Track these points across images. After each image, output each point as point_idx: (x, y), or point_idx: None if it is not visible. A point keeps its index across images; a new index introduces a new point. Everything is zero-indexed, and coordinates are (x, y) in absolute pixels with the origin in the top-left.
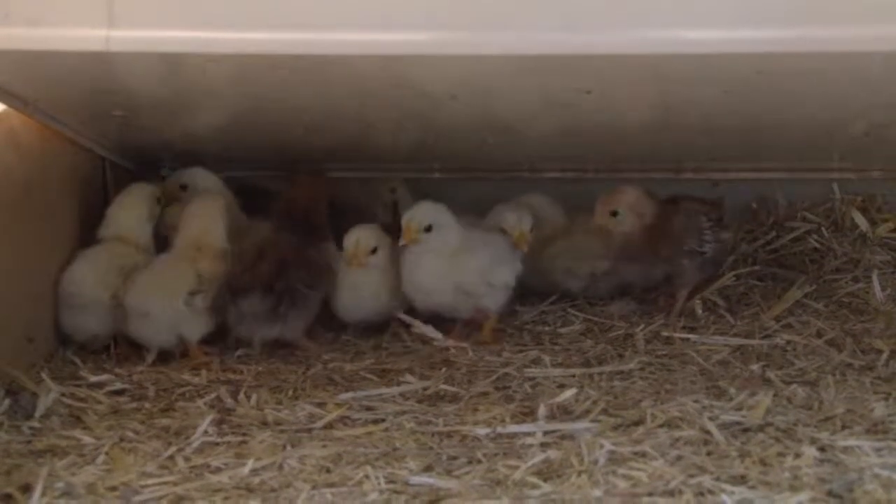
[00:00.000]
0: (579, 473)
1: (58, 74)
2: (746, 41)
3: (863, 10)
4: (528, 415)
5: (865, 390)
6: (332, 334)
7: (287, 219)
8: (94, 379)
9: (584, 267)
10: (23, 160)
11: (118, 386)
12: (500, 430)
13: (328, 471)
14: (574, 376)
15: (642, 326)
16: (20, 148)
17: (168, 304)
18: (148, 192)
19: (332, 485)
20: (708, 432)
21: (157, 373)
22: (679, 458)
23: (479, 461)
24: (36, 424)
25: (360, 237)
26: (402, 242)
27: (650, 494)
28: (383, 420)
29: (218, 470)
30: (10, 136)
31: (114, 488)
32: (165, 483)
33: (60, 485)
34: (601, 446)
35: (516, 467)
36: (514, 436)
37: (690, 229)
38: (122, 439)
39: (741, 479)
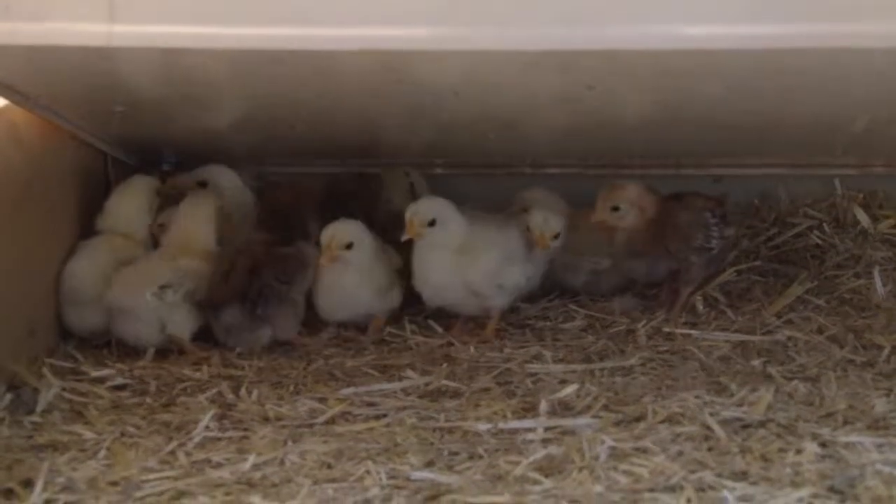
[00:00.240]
0: (580, 469)
1: (59, 69)
2: (748, 37)
3: (864, 6)
4: (530, 410)
5: (867, 386)
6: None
7: (267, 219)
8: (95, 374)
9: (586, 263)
10: (24, 155)
11: (119, 381)
12: (501, 425)
13: (329, 466)
14: (575, 372)
15: (644, 322)
16: (22, 143)
17: (142, 299)
18: (147, 183)
19: (333, 480)
20: (709, 428)
21: (158, 368)
22: (680, 453)
23: (481, 457)
24: (37, 419)
25: (336, 231)
26: (404, 237)
27: (651, 490)
28: (385, 415)
29: (219, 465)
30: (12, 131)
31: (115, 483)
32: (166, 478)
33: (61, 479)
34: (602, 442)
35: (517, 463)
36: (515, 431)
37: (697, 225)
38: (123, 434)
39: (742, 475)
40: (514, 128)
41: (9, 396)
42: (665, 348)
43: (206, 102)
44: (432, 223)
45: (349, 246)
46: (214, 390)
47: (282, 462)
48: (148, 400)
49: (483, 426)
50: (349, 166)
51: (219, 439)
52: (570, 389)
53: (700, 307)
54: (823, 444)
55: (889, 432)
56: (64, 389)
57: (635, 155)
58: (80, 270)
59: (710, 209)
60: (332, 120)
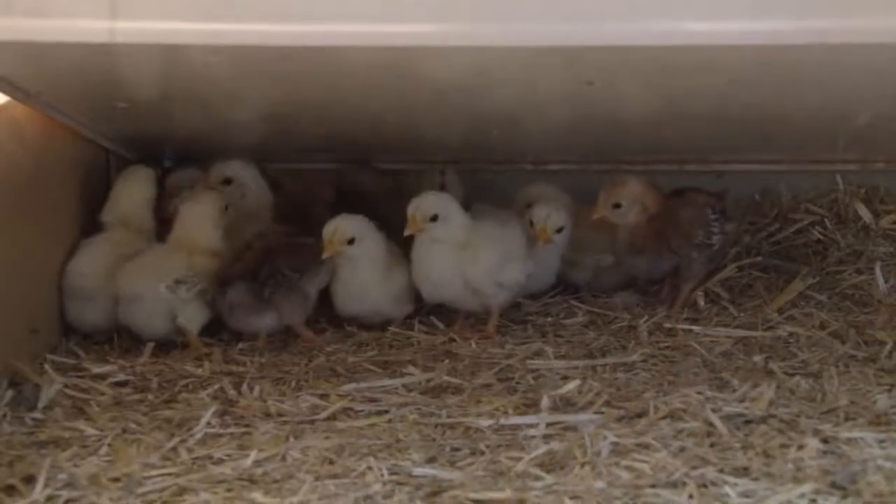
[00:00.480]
0: (582, 465)
1: (61, 66)
2: (750, 33)
3: (866, 2)
4: (531, 406)
5: (868, 382)
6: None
7: (284, 212)
8: (97, 370)
9: (588, 259)
10: (26, 152)
11: (121, 377)
12: (503, 421)
13: (331, 462)
14: (577, 368)
15: (645, 318)
16: (24, 140)
17: (155, 288)
18: (148, 174)
19: (335, 476)
20: (711, 424)
21: (159, 364)
22: (682, 449)
23: (482, 453)
24: (39, 416)
25: (339, 225)
26: (407, 232)
27: (653, 486)
28: (386, 411)
29: (221, 461)
30: (14, 127)
31: (116, 479)
32: (168, 474)
33: (63, 476)
34: (604, 438)
35: (519, 459)
36: (517, 427)
37: (698, 221)
38: (124, 430)
39: (744, 471)
40: (517, 124)
41: (10, 393)
42: (667, 344)
43: (208, 99)
44: (434, 218)
45: (351, 241)
46: (216, 386)
47: (283, 458)
48: (149, 396)
49: (485, 422)
50: (352, 163)
51: (220, 435)
52: (571, 385)
53: (702, 303)
54: (825, 440)
55: (891, 428)
56: (66, 386)
57: (638, 151)
58: (83, 266)
59: (711, 205)
60: (335, 116)
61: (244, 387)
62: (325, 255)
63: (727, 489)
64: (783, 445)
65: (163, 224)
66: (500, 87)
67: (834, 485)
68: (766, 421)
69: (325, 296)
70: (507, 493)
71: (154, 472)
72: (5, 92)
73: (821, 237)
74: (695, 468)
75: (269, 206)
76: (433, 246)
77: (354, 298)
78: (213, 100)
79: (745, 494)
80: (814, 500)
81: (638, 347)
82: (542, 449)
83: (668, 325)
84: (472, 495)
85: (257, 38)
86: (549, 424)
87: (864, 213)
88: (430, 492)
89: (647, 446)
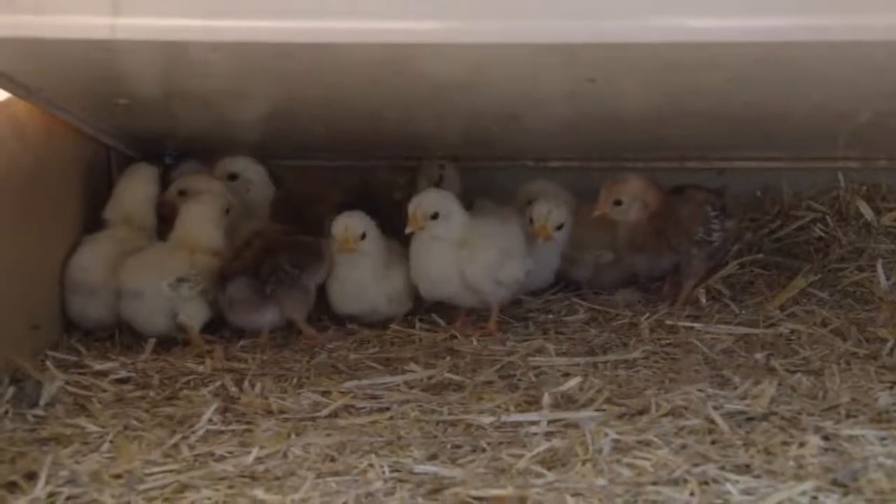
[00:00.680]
0: (583, 462)
1: (62, 62)
2: (750, 30)
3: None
4: (533, 403)
5: (870, 379)
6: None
7: (282, 210)
8: (98, 367)
9: (589, 256)
10: (27, 148)
11: (123, 374)
12: (504, 418)
13: (333, 459)
14: (578, 365)
15: (647, 315)
16: (24, 136)
17: (160, 286)
18: (151, 171)
19: (336, 473)
20: (712, 421)
21: (161, 361)
22: (683, 446)
23: (484, 450)
24: (40, 412)
25: (348, 223)
26: (408, 230)
27: (654, 483)
28: (388, 409)
29: (222, 458)
30: (15, 124)
31: (118, 476)
32: (170, 471)
33: (65, 473)
34: (605, 435)
35: (520, 456)
36: (518, 424)
37: (698, 218)
38: (126, 427)
39: (745, 468)
40: (518, 121)
41: (12, 389)
42: (668, 341)
43: (208, 96)
44: (435, 216)
45: (363, 236)
46: (217, 383)
47: (285, 455)
48: (151, 393)
49: (486, 419)
50: (352, 160)
51: (222, 432)
52: (573, 382)
53: (703, 300)
54: (826, 438)
55: (892, 425)
56: (67, 383)
57: (638, 148)
58: (85, 262)
59: (711, 202)
60: (335, 113)
61: (246, 384)
62: (340, 254)
63: (728, 486)
64: (784, 443)
65: (164, 222)
66: (500, 85)
67: (835, 482)
68: (768, 418)
69: (326, 293)
70: (508, 491)
71: (155, 469)
72: (6, 88)
73: (822, 234)
74: (696, 465)
75: (269, 204)
76: (432, 243)
77: (352, 297)
78: (214, 97)
79: (746, 492)
80: (815, 498)
81: (639, 344)
82: (544, 446)
83: (669, 322)
84: (474, 492)
85: (258, 34)
86: (550, 422)
87: (866, 211)
88: (432, 489)
89: (648, 443)
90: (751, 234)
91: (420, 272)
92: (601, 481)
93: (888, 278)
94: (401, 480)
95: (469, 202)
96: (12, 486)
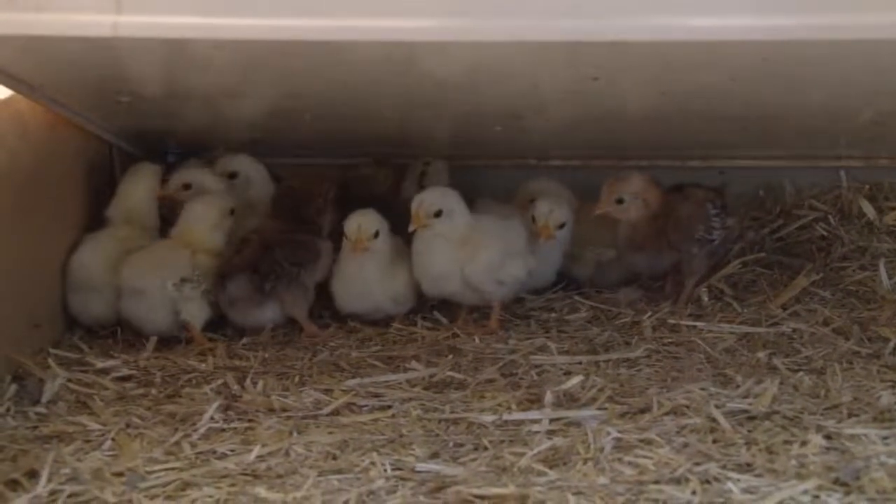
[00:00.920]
0: (585, 461)
1: (64, 60)
2: (753, 28)
3: None
4: (535, 402)
5: (872, 378)
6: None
7: (280, 208)
8: (100, 365)
9: (591, 254)
10: (30, 146)
11: (124, 372)
12: (506, 417)
13: (334, 457)
14: (580, 364)
15: (649, 314)
16: (27, 133)
17: (163, 284)
18: (154, 170)
19: (338, 471)
20: (714, 420)
21: (163, 359)
22: (685, 445)
23: (486, 448)
24: (42, 410)
25: (361, 222)
26: (411, 228)
27: (656, 482)
28: (390, 407)
29: (224, 456)
30: (17, 121)
31: (120, 474)
32: (171, 469)
33: (66, 470)
34: (607, 434)
35: (522, 454)
36: (520, 423)
37: (699, 217)
38: (128, 425)
39: (747, 467)
40: (520, 119)
41: (14, 387)
42: (670, 340)
43: (211, 94)
44: (438, 214)
45: (376, 234)
46: (220, 381)
47: (287, 453)
48: (153, 391)
49: (488, 417)
50: (352, 159)
51: (224, 430)
52: (575, 381)
53: (705, 299)
54: (828, 437)
55: (894, 424)
56: (69, 380)
57: (640, 147)
58: (87, 259)
59: (711, 200)
60: (337, 112)
61: (247, 382)
62: (353, 253)
63: (730, 485)
64: (786, 442)
65: (166, 222)
66: (502, 83)
67: (837, 481)
68: (770, 417)
69: (328, 291)
70: (510, 489)
71: (157, 467)
72: (9, 86)
73: (824, 233)
74: (698, 464)
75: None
76: (434, 241)
77: (356, 296)
78: (216, 94)
79: (748, 490)
80: (817, 497)
81: (641, 343)
82: (546, 445)
83: (671, 321)
84: (476, 491)
85: (260, 32)
86: (552, 420)
87: (868, 210)
88: (434, 487)
89: (650, 442)
90: (753, 233)
91: (422, 269)
92: (603, 480)
93: (890, 277)
94: (402, 479)
95: (471, 201)
96: (14, 484)
